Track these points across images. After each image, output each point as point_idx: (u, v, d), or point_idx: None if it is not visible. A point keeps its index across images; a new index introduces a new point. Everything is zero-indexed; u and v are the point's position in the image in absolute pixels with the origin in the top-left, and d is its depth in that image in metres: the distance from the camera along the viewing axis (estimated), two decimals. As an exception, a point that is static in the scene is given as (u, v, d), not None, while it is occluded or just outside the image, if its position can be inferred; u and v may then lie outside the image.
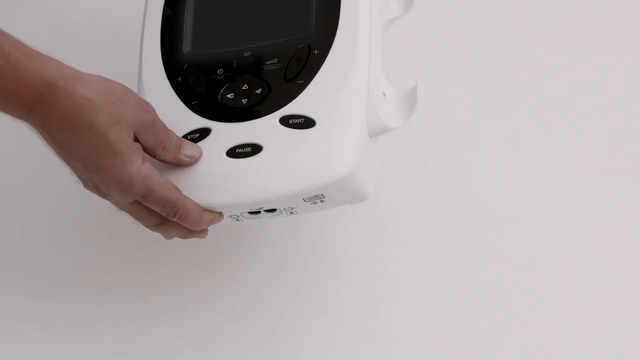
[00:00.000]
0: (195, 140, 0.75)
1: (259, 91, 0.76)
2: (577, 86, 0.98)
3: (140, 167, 0.70)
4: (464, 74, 0.96)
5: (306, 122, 0.74)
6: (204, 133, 0.75)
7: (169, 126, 0.75)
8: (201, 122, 0.76)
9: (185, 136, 0.76)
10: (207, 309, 0.87)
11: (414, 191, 0.92)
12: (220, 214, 0.75)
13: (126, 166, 0.70)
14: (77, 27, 1.07)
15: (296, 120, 0.74)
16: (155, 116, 0.72)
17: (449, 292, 0.87)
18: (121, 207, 0.74)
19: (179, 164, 0.74)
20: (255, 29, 0.80)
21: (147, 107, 0.72)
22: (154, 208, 0.72)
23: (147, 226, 0.75)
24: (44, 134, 0.69)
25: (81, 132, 0.68)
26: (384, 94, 0.77)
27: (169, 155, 0.73)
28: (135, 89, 0.77)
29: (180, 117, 0.76)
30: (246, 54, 0.78)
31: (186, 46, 0.80)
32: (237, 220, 0.77)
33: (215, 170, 0.74)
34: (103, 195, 0.72)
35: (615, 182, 0.92)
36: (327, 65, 0.76)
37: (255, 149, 0.74)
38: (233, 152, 0.74)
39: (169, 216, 0.73)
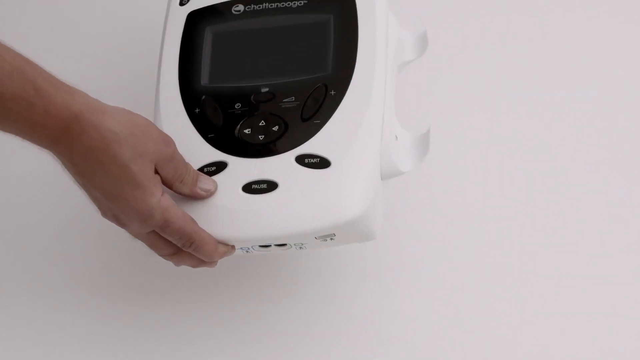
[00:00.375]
0: (212, 173, 0.77)
1: (275, 128, 0.77)
2: (578, 86, 0.99)
3: (160, 199, 0.72)
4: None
5: (321, 163, 0.75)
6: (220, 166, 0.77)
7: (186, 158, 0.76)
8: (218, 155, 0.77)
9: (201, 168, 0.77)
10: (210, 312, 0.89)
11: (415, 193, 0.93)
12: (233, 246, 0.77)
13: (147, 198, 0.71)
14: (76, 27, 1.08)
15: (312, 160, 0.76)
16: (175, 150, 0.74)
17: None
18: (138, 236, 0.75)
19: (195, 197, 0.76)
20: (272, 65, 0.81)
21: (168, 141, 0.74)
22: (170, 239, 0.74)
23: (161, 255, 0.77)
24: (67, 163, 0.71)
25: (105, 163, 0.69)
26: (397, 137, 0.79)
27: (185, 188, 0.75)
28: (140, 111, 0.78)
29: (197, 149, 0.78)
30: (264, 90, 0.79)
31: (204, 78, 0.82)
32: (247, 252, 0.78)
33: (231, 204, 0.75)
34: (121, 224, 0.74)
35: (616, 181, 0.93)
36: (344, 106, 0.77)
37: (270, 185, 0.75)
38: (249, 188, 0.76)
39: (184, 247, 0.74)
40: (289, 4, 0.84)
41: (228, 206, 0.75)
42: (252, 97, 0.79)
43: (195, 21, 0.85)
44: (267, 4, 0.84)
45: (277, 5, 0.84)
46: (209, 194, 0.76)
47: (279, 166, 0.76)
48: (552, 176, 0.93)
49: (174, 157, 0.74)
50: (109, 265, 0.91)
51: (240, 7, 0.85)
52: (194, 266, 0.78)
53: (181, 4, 0.86)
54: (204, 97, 0.80)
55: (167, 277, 0.90)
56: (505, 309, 0.87)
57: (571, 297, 0.87)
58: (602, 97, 0.97)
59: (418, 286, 0.88)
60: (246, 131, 0.78)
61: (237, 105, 0.79)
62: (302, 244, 0.77)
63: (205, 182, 0.76)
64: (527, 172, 0.92)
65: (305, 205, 0.74)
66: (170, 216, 0.72)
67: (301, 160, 0.76)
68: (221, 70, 0.82)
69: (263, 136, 0.77)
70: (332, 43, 0.81)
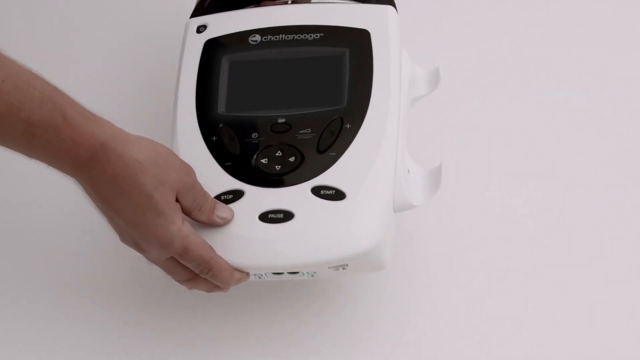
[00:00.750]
0: (229, 201, 0.78)
1: (292, 159, 0.79)
2: (579, 86, 1.00)
3: (181, 227, 0.74)
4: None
5: (337, 195, 0.77)
6: (237, 195, 0.78)
7: (203, 185, 0.77)
8: (235, 183, 0.79)
9: (218, 196, 0.79)
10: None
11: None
12: (248, 273, 0.78)
13: (168, 225, 0.73)
14: (77, 26, 1.09)
15: (327, 192, 0.77)
16: (195, 179, 0.76)
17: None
18: (155, 261, 0.77)
19: (212, 225, 0.77)
20: (288, 96, 0.83)
21: (189, 170, 0.75)
22: (188, 265, 0.76)
23: (177, 280, 0.78)
24: (90, 190, 0.72)
25: (128, 191, 0.71)
26: (409, 170, 0.81)
27: (203, 215, 0.76)
28: (153, 135, 0.79)
29: (214, 177, 0.79)
30: (280, 121, 0.81)
31: (220, 107, 0.83)
32: (259, 278, 0.80)
33: (248, 233, 0.77)
34: (141, 250, 0.75)
35: (616, 181, 0.94)
36: (359, 139, 0.79)
37: (287, 215, 0.77)
38: (265, 217, 0.77)
39: (202, 273, 0.76)
40: (305, 37, 0.85)
41: (245, 234, 0.77)
42: (269, 127, 0.81)
43: (213, 49, 0.86)
44: (283, 36, 0.86)
45: (294, 37, 0.86)
46: (225, 222, 0.77)
47: (295, 196, 0.78)
48: (556, 178, 0.94)
49: (194, 186, 0.75)
50: (110, 267, 0.91)
51: (257, 38, 0.86)
52: (208, 291, 0.80)
53: (198, 31, 0.88)
54: (221, 125, 0.82)
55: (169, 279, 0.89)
56: (504, 308, 0.88)
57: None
58: (604, 97, 0.99)
59: (419, 287, 0.89)
60: (263, 161, 0.79)
61: (254, 135, 0.81)
62: (315, 273, 0.79)
63: (222, 210, 0.78)
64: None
65: (320, 236, 0.76)
66: (189, 243, 0.74)
67: (317, 191, 0.78)
68: (238, 99, 0.84)
69: (280, 166, 0.79)
70: (347, 77, 0.82)
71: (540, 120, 0.97)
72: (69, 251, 0.93)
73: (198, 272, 0.76)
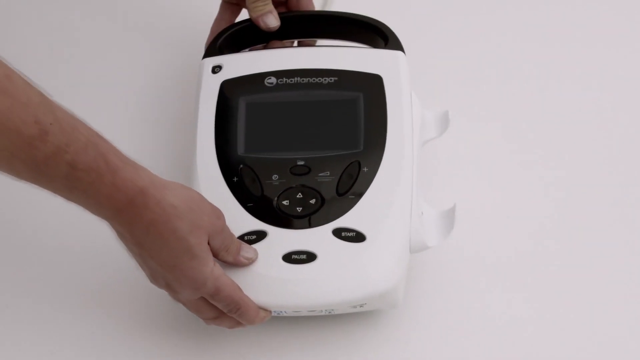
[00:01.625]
0: (252, 242, 0.81)
1: (313, 201, 0.82)
2: (579, 86, 1.02)
3: (213, 269, 0.76)
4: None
5: (357, 237, 0.80)
6: (260, 235, 0.81)
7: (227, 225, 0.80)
8: (257, 224, 0.81)
9: (242, 236, 0.81)
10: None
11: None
12: (270, 311, 0.81)
13: (201, 267, 0.75)
14: (76, 26, 1.09)
15: (348, 234, 0.80)
16: (224, 222, 0.78)
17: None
18: (185, 302, 0.79)
19: (238, 265, 0.80)
20: (306, 138, 0.86)
21: (219, 214, 0.78)
22: (218, 305, 0.78)
23: (204, 318, 0.81)
24: (126, 234, 0.74)
25: (165, 235, 0.73)
26: (422, 212, 0.84)
27: (230, 256, 0.79)
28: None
29: (237, 218, 0.81)
30: (300, 163, 0.83)
31: (240, 148, 0.85)
32: (278, 314, 0.83)
33: (273, 273, 0.79)
34: (172, 291, 0.78)
35: (616, 181, 0.96)
36: (376, 182, 0.82)
37: (310, 257, 0.80)
38: (289, 258, 0.80)
39: (230, 312, 0.79)
40: (319, 80, 0.88)
41: (270, 274, 0.79)
42: (288, 169, 0.83)
43: (229, 90, 0.88)
44: (298, 79, 0.88)
45: (309, 80, 0.88)
46: (250, 262, 0.80)
47: (317, 238, 0.80)
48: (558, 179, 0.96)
49: (224, 229, 0.78)
50: (110, 267, 0.91)
51: (273, 80, 0.89)
52: (230, 327, 0.82)
53: (214, 71, 0.90)
54: (241, 166, 0.84)
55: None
56: (507, 308, 0.89)
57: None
58: (603, 96, 1.01)
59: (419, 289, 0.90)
60: (285, 202, 0.82)
61: (275, 177, 0.83)
62: (333, 310, 0.82)
63: (247, 250, 0.80)
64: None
65: (342, 277, 0.79)
66: (221, 284, 0.77)
67: (338, 233, 0.80)
68: (256, 140, 0.86)
69: (301, 208, 0.82)
70: (362, 121, 0.85)
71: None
72: (69, 251, 0.93)
73: (227, 311, 0.79)
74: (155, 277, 0.77)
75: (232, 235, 0.79)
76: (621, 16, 1.09)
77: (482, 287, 0.90)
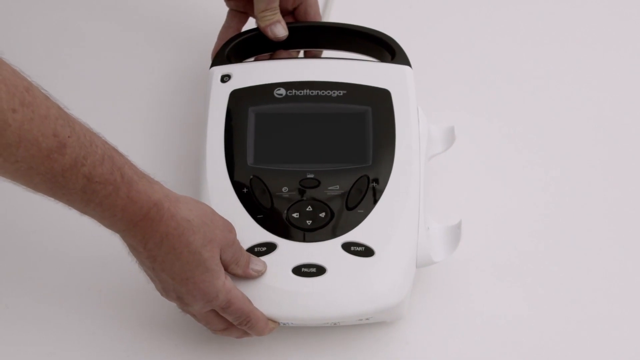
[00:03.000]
0: (262, 254, 0.82)
1: (322, 215, 0.83)
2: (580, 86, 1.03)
3: (225, 282, 0.77)
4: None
5: (366, 251, 0.81)
6: (270, 247, 0.82)
7: (237, 236, 0.81)
8: (267, 236, 0.82)
9: (252, 248, 0.82)
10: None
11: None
12: (278, 323, 0.82)
13: (214, 281, 0.76)
14: (80, 29, 1.09)
15: (357, 248, 0.81)
16: (235, 235, 0.79)
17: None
18: (195, 314, 0.80)
19: (247, 277, 0.81)
20: (315, 151, 0.86)
21: (230, 228, 0.79)
22: (228, 317, 0.79)
23: (213, 329, 0.82)
24: (139, 247, 0.74)
25: (178, 249, 0.74)
26: (428, 227, 0.85)
27: (239, 269, 0.80)
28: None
29: (247, 229, 0.82)
30: (309, 176, 0.84)
31: (249, 158, 0.86)
32: (284, 324, 0.84)
33: (282, 285, 0.80)
34: (183, 304, 0.78)
35: (617, 182, 0.97)
36: (385, 197, 0.83)
37: (319, 270, 0.81)
38: (299, 271, 0.81)
39: (240, 325, 0.80)
40: (328, 93, 0.89)
41: (280, 287, 0.80)
42: (298, 181, 0.84)
43: (238, 100, 0.89)
44: (307, 91, 0.89)
45: (317, 92, 0.89)
46: (259, 275, 0.81)
47: (326, 252, 0.81)
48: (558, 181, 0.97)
49: (235, 242, 0.79)
50: (111, 267, 0.92)
51: (282, 91, 0.89)
52: (238, 337, 0.83)
53: (222, 80, 0.91)
54: (251, 177, 0.85)
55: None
56: (506, 310, 0.90)
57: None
58: (604, 96, 1.02)
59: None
60: (294, 215, 0.83)
61: (284, 189, 0.84)
62: (338, 322, 0.83)
63: (256, 263, 0.81)
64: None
65: (351, 291, 0.80)
66: (232, 297, 0.78)
67: (347, 247, 0.82)
68: (266, 152, 0.86)
69: (311, 221, 0.82)
70: (371, 135, 0.86)
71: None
72: (70, 251, 0.93)
73: (237, 323, 0.80)
74: (166, 290, 0.78)
75: (241, 248, 0.80)
76: (621, 17, 1.10)
77: (482, 287, 0.91)
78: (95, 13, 1.10)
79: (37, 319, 0.89)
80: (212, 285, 0.76)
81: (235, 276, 0.80)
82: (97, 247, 0.92)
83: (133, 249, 0.75)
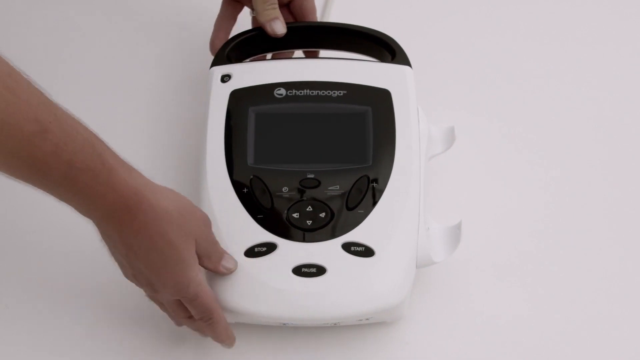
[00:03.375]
0: (262, 254, 0.82)
1: (322, 215, 0.83)
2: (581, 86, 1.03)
3: (197, 274, 0.78)
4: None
5: (366, 251, 0.81)
6: (270, 247, 0.82)
7: (236, 236, 0.82)
8: (267, 236, 0.82)
9: (252, 248, 0.82)
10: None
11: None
12: (234, 339, 0.83)
13: (187, 272, 0.77)
14: (75, 25, 1.09)
15: (357, 248, 0.81)
16: (211, 229, 0.80)
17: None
18: (162, 301, 0.80)
19: (217, 273, 0.81)
20: (315, 151, 0.86)
21: (207, 221, 0.79)
22: (192, 310, 0.79)
23: (174, 318, 0.82)
24: (114, 235, 0.74)
25: (154, 238, 0.74)
26: (428, 228, 0.86)
27: (211, 264, 0.80)
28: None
29: (247, 229, 0.82)
30: (309, 176, 0.84)
31: (249, 158, 0.86)
32: (283, 325, 0.84)
33: (282, 285, 0.80)
34: (153, 290, 0.78)
35: (617, 182, 0.97)
36: (385, 197, 0.83)
37: (319, 270, 0.81)
38: (299, 271, 0.81)
39: (202, 320, 0.80)
40: (328, 93, 0.89)
41: (280, 287, 0.80)
42: (298, 181, 0.84)
43: (238, 100, 0.89)
44: (307, 91, 0.89)
45: (318, 93, 0.89)
46: (229, 272, 0.81)
47: (326, 252, 0.81)
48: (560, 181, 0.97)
49: (209, 236, 0.79)
50: (111, 267, 0.89)
51: (282, 91, 0.89)
52: (195, 329, 0.83)
53: (223, 80, 0.91)
54: (251, 177, 0.85)
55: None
56: (506, 310, 0.90)
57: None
58: (603, 95, 1.02)
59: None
60: (294, 215, 0.83)
61: (285, 189, 0.84)
62: (338, 322, 0.83)
63: (228, 260, 0.81)
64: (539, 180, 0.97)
65: (351, 292, 0.80)
66: (200, 290, 0.78)
67: (348, 248, 0.82)
68: (266, 152, 0.86)
69: (311, 222, 0.82)
70: (371, 135, 0.86)
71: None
72: (69, 251, 0.93)
73: (198, 318, 0.80)
74: (136, 277, 0.78)
75: (216, 243, 0.81)
76: (621, 17, 1.10)
77: (482, 287, 0.91)
78: (95, 13, 1.10)
79: (37, 319, 0.89)
80: (184, 276, 0.77)
81: (207, 270, 0.81)
82: (97, 247, 0.89)
83: (107, 237, 0.75)
